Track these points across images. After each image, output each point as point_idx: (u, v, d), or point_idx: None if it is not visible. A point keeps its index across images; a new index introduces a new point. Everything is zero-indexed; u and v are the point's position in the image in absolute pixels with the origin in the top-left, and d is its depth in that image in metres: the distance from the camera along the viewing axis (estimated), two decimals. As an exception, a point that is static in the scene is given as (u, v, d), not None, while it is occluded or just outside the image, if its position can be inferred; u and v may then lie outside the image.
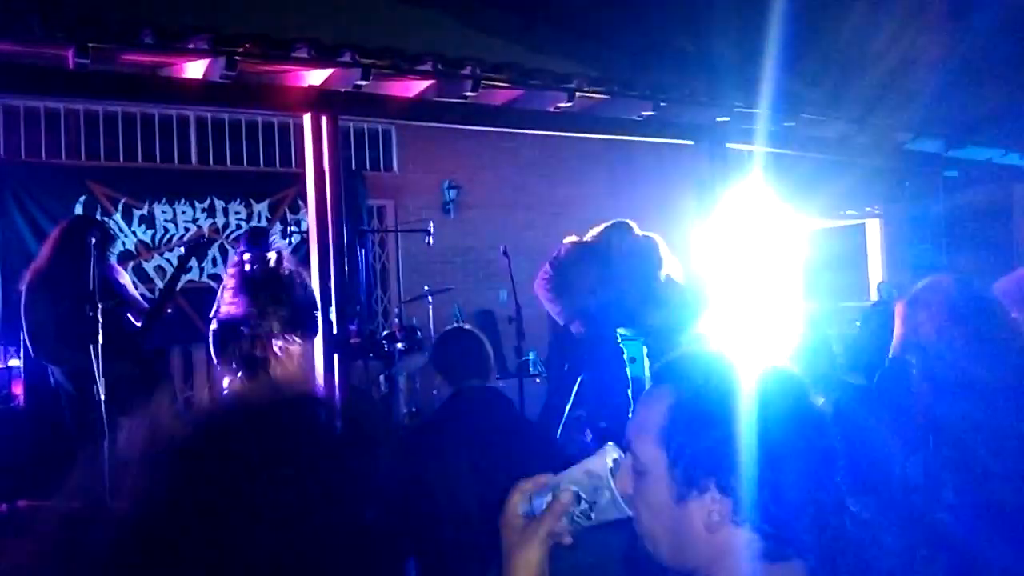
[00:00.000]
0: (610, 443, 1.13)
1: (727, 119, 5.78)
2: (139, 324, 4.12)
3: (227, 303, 4.41)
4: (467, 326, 2.74)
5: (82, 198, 6.42)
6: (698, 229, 5.82)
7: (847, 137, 6.90)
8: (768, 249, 6.54)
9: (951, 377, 2.05)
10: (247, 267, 4.34)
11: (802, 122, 6.37)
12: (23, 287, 3.90)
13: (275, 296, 4.35)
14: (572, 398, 4.60)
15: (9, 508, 4.75)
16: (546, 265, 4.36)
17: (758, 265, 6.32)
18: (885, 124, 6.90)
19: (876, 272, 11.34)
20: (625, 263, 4.19)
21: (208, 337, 4.49)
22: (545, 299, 4.35)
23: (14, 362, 5.38)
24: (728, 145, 5.89)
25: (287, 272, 4.44)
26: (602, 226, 4.33)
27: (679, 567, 1.02)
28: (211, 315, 4.51)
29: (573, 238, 4.46)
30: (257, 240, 4.38)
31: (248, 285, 4.34)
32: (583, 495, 1.09)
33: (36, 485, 4.74)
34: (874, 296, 10.28)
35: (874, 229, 11.50)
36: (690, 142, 5.87)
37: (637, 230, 4.32)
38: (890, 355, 2.31)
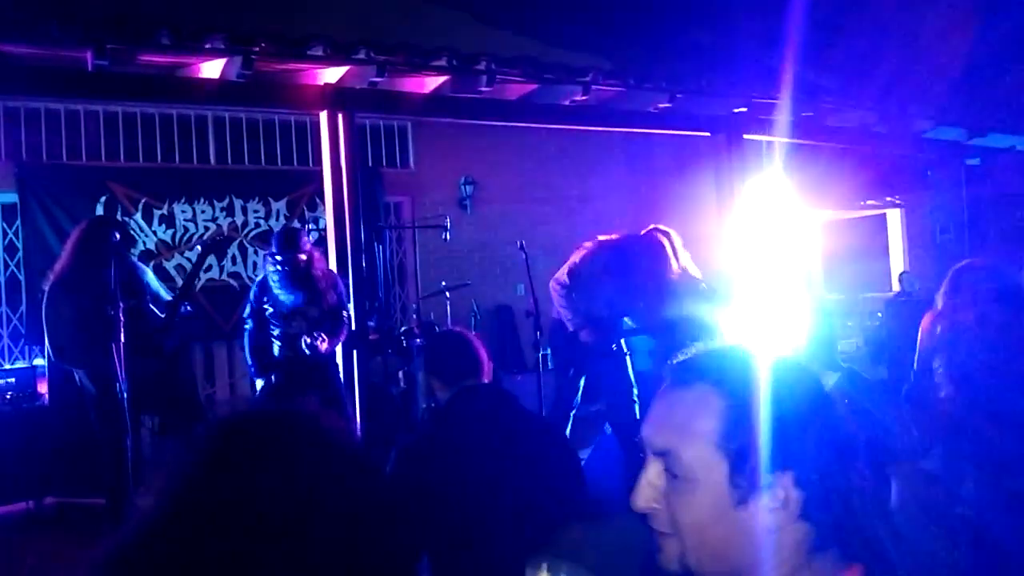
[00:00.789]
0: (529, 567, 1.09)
1: (744, 110, 5.73)
2: (163, 316, 4.14)
3: (258, 304, 4.43)
4: (456, 328, 2.72)
5: (103, 198, 6.50)
6: (717, 221, 5.79)
7: (867, 127, 6.83)
8: (786, 241, 6.48)
9: (979, 367, 2.02)
10: (279, 267, 4.32)
11: (821, 112, 6.31)
12: (45, 289, 3.94)
13: (307, 297, 4.35)
14: (581, 394, 4.61)
15: (36, 504, 4.83)
16: (564, 269, 4.31)
17: (776, 257, 6.27)
18: (905, 113, 6.82)
19: (898, 263, 11.21)
20: (643, 272, 4.13)
21: (244, 338, 4.51)
22: (559, 303, 4.30)
23: (39, 361, 5.46)
24: (746, 136, 5.84)
25: (319, 273, 4.42)
26: (626, 233, 4.27)
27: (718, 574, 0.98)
28: (245, 315, 4.52)
29: (600, 238, 4.42)
30: (289, 242, 4.34)
31: (279, 286, 4.34)
32: None
33: (62, 482, 4.81)
34: (896, 287, 10.16)
35: (895, 219, 11.37)
36: (707, 134, 5.83)
37: (660, 236, 4.28)
38: (918, 350, 2.27)
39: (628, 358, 4.32)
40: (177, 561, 0.83)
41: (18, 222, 6.29)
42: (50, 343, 3.90)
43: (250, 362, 4.50)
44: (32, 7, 4.02)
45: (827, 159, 7.83)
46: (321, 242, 6.01)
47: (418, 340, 5.99)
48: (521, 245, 5.18)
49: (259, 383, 4.48)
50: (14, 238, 6.37)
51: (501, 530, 2.08)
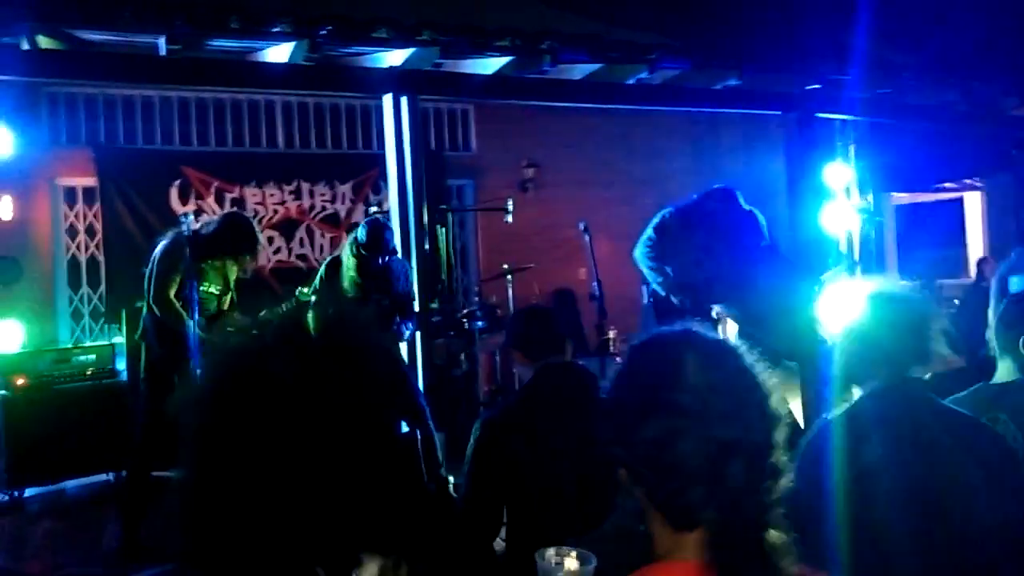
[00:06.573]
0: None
1: (818, 87, 5.54)
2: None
3: (336, 284, 4.51)
4: (538, 303, 2.74)
5: (177, 182, 6.68)
6: (787, 204, 5.62)
7: (948, 104, 6.53)
8: (859, 224, 6.27)
9: None
10: (363, 258, 4.41)
11: (899, 89, 6.05)
12: (169, 237, 4.05)
13: (380, 286, 4.46)
14: None
15: (116, 477, 5.03)
16: (649, 231, 4.19)
17: (849, 240, 6.07)
18: (990, 89, 6.49)
19: (976, 249, 10.74)
20: (732, 233, 3.99)
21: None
22: (647, 267, 4.18)
23: (118, 339, 5.65)
24: (819, 115, 5.64)
25: (395, 263, 4.54)
26: (707, 191, 4.14)
27: None
28: (315, 291, 4.59)
29: (678, 204, 4.32)
30: (378, 240, 4.41)
31: (360, 273, 4.44)
32: None
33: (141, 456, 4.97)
34: (973, 274, 9.74)
35: (974, 203, 10.88)
36: (778, 112, 5.66)
37: (742, 199, 4.13)
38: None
39: (722, 326, 4.18)
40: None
41: (97, 204, 6.53)
42: (155, 290, 4.00)
43: None
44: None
45: (904, 139, 7.52)
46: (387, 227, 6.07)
47: (480, 323, 6.01)
48: (585, 227, 5.13)
49: None
50: (94, 220, 6.61)
51: (579, 504, 2.12)
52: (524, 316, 2.69)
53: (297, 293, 4.52)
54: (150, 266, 4.08)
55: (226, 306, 4.29)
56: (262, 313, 4.32)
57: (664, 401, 1.00)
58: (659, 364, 1.06)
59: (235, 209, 4.71)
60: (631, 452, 1.01)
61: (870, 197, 8.44)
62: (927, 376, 1.78)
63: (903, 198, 10.93)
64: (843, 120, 5.99)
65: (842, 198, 5.90)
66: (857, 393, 1.80)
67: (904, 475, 1.58)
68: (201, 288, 4.03)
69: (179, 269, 3.95)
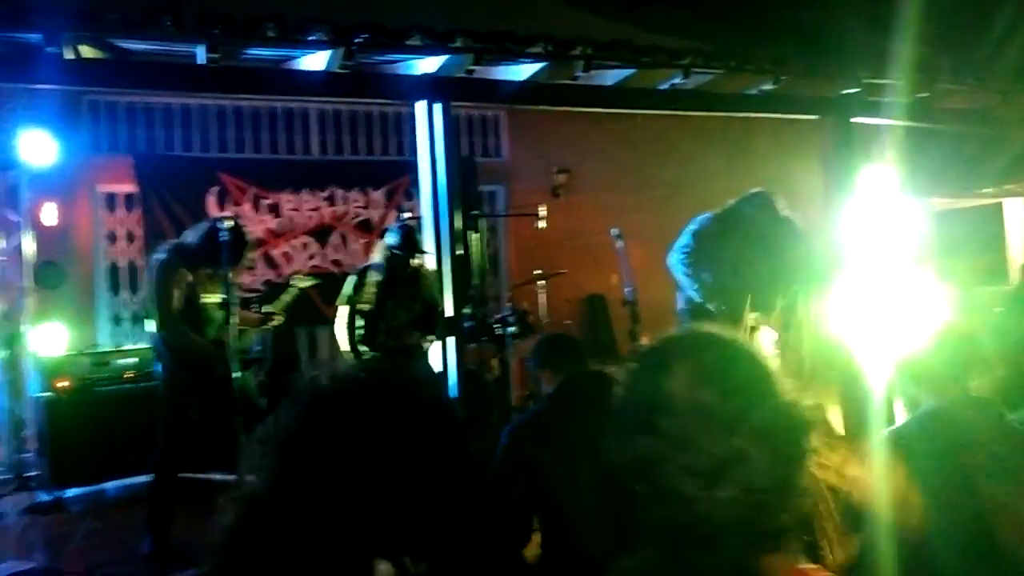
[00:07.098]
0: None
1: (854, 91, 5.46)
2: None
3: (369, 291, 4.57)
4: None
5: (214, 189, 6.79)
6: (822, 210, 5.55)
7: (988, 109, 6.40)
8: (896, 230, 6.16)
9: None
10: (396, 262, 4.50)
11: (938, 93, 5.94)
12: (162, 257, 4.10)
13: (413, 293, 4.52)
14: None
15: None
16: (684, 237, 4.11)
17: (885, 248, 5.96)
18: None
19: (1017, 255, 10.52)
20: (769, 239, 3.91)
21: (342, 320, 4.66)
22: (683, 274, 4.11)
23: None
24: (854, 120, 5.56)
25: (426, 273, 4.61)
26: (744, 196, 4.06)
27: None
28: (348, 299, 4.66)
29: (715, 210, 4.28)
30: (411, 241, 4.54)
31: (392, 279, 4.50)
32: None
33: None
34: (1015, 280, 9.53)
35: (1015, 209, 10.66)
36: (814, 116, 5.59)
37: (781, 202, 4.04)
38: None
39: (759, 334, 4.12)
40: (282, 522, 0.86)
41: (137, 211, 6.65)
42: (159, 313, 4.00)
43: (348, 346, 4.64)
44: (148, 4, 4.23)
45: (942, 144, 7.39)
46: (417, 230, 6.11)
47: (511, 328, 6.00)
48: (619, 233, 5.11)
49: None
50: (133, 226, 6.73)
51: (608, 507, 2.14)
52: (546, 338, 3.02)
53: (292, 281, 4.76)
54: (148, 289, 4.13)
55: (233, 313, 4.30)
56: (265, 307, 4.45)
57: (650, 423, 0.99)
58: (652, 378, 1.03)
59: (220, 215, 4.78)
60: (625, 463, 1.03)
61: (908, 202, 8.29)
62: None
63: (942, 203, 10.73)
64: (881, 124, 5.89)
65: (880, 203, 5.80)
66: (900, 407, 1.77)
67: (968, 492, 1.55)
68: (202, 302, 4.07)
69: (175, 282, 3.98)
